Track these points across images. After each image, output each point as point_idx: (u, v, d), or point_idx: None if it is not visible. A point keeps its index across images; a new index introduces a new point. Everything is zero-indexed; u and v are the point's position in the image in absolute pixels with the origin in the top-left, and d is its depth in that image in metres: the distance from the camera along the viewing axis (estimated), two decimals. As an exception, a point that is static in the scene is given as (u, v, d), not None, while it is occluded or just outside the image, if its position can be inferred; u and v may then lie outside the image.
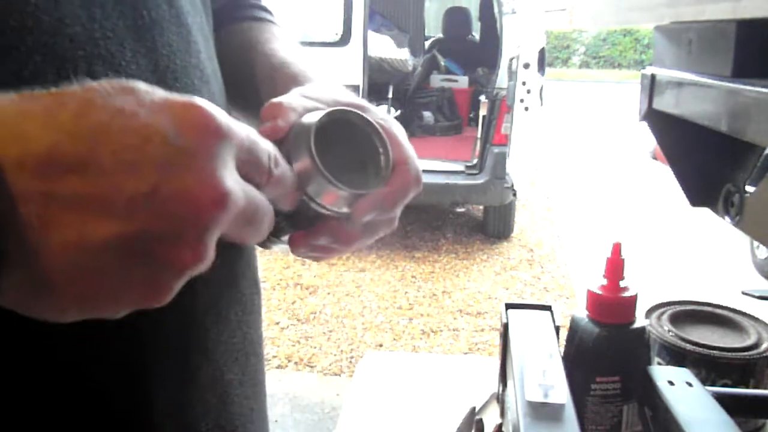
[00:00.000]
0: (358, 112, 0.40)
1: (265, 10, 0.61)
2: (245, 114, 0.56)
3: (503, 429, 0.72)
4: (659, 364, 0.74)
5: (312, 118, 0.37)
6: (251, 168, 0.30)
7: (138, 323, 0.36)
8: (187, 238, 0.26)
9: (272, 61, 0.51)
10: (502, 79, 3.89)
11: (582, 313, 0.67)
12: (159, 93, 0.27)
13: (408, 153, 0.42)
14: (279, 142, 0.36)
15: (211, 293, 0.44)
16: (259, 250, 0.50)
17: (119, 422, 0.38)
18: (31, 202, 0.23)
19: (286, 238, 0.40)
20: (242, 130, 0.29)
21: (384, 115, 0.43)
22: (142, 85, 0.27)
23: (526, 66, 3.81)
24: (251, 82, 0.52)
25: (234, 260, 0.48)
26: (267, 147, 0.31)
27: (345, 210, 0.38)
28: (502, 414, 0.74)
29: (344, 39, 3.76)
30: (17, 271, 0.24)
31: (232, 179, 0.27)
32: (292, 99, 0.40)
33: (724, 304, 0.81)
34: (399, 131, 0.43)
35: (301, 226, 0.39)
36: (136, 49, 0.37)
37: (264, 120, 0.38)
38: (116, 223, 0.25)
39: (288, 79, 0.48)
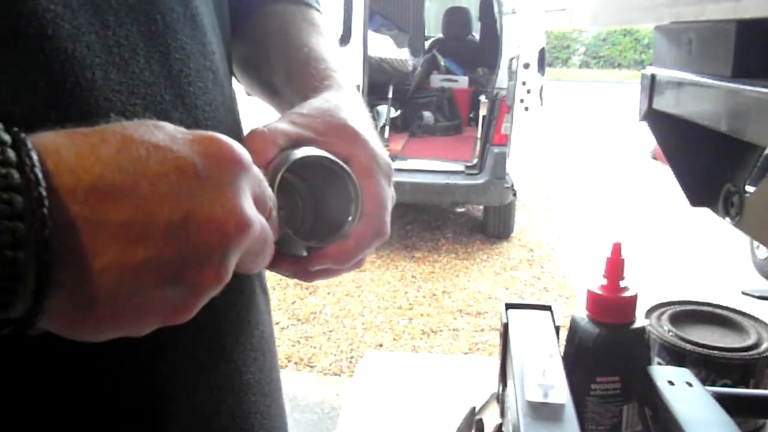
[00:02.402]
0: (333, 158, 0.41)
1: None
2: (278, 96, 0.56)
3: (503, 429, 0.72)
4: (659, 364, 0.73)
5: (282, 162, 0.39)
6: (259, 201, 0.32)
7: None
8: (213, 261, 0.29)
9: (299, 56, 0.52)
10: (502, 79, 3.89)
11: (582, 313, 0.67)
12: (185, 129, 0.30)
13: (379, 202, 0.43)
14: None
15: (229, 295, 0.45)
16: None
17: (134, 420, 0.39)
18: (79, 228, 0.26)
19: None
20: (254, 166, 0.32)
21: (371, 153, 0.44)
22: (169, 124, 0.29)
23: (526, 66, 3.81)
24: (283, 69, 0.53)
25: None
26: (267, 189, 0.34)
27: (303, 254, 0.42)
28: (502, 414, 0.74)
29: (344, 39, 3.76)
30: (63, 294, 0.26)
31: (252, 209, 0.30)
32: (277, 129, 0.41)
33: (724, 304, 0.81)
34: (381, 170, 0.44)
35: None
36: (149, 55, 0.37)
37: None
38: (153, 246, 0.27)
39: (310, 79, 0.50)
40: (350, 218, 0.41)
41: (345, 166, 0.41)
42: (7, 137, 0.24)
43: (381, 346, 2.94)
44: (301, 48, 0.53)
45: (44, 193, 0.24)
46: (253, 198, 0.31)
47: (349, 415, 0.85)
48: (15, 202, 0.23)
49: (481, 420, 0.77)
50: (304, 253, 0.42)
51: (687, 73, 0.51)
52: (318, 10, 0.60)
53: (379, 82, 4.50)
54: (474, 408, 0.80)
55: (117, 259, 0.26)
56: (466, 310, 3.28)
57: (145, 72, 0.37)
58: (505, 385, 0.71)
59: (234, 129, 0.46)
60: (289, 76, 0.52)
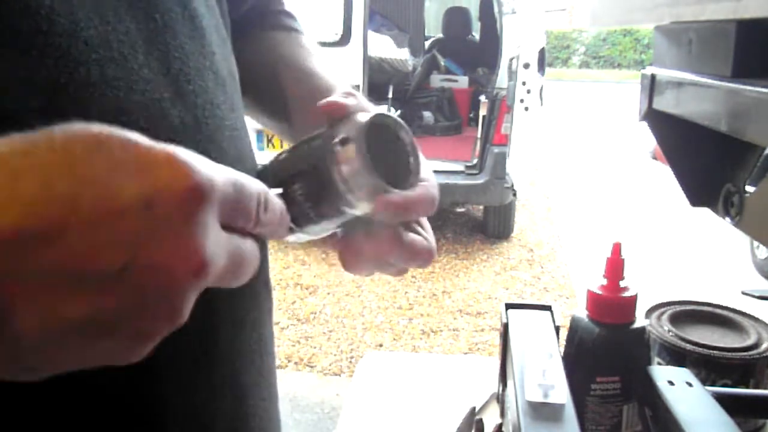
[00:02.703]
0: (397, 119, 0.40)
1: (291, 16, 0.61)
2: (272, 119, 0.57)
3: (503, 429, 0.71)
4: (659, 364, 0.73)
5: (363, 117, 0.38)
6: (238, 216, 0.29)
7: None
8: (161, 309, 0.25)
9: (300, 72, 0.52)
10: (502, 79, 3.89)
11: (582, 313, 0.67)
12: (138, 146, 0.25)
13: (430, 172, 0.43)
14: (331, 123, 0.38)
15: (227, 298, 0.44)
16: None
17: (132, 422, 0.38)
18: (2, 279, 0.22)
19: (308, 228, 0.40)
20: (227, 179, 0.27)
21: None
22: (117, 137, 0.25)
23: (526, 66, 3.81)
24: (279, 91, 0.53)
25: None
26: (256, 190, 0.30)
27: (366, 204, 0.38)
28: (502, 414, 0.74)
29: (344, 39, 3.76)
30: None
31: (212, 242, 0.26)
32: (345, 96, 0.41)
33: (724, 304, 0.81)
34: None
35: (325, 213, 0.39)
36: (148, 52, 0.37)
37: (324, 109, 0.39)
38: (86, 300, 0.23)
39: (316, 90, 0.49)
40: (413, 170, 0.41)
41: (406, 127, 0.41)
42: None
43: (381, 346, 2.94)
44: (301, 67, 0.54)
45: None
46: (225, 216, 0.28)
47: (349, 415, 0.85)
48: None
49: (481, 420, 0.77)
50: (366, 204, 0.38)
51: (687, 73, 0.51)
52: (304, 34, 0.61)
53: (379, 82, 4.50)
54: (474, 408, 0.80)
55: (43, 313, 0.23)
56: (466, 310, 3.28)
57: (144, 69, 0.36)
58: (505, 385, 0.71)
59: (238, 127, 0.46)
60: (291, 92, 0.52)
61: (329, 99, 0.40)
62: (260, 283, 0.51)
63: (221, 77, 0.44)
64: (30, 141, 0.24)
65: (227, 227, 0.28)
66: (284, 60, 0.55)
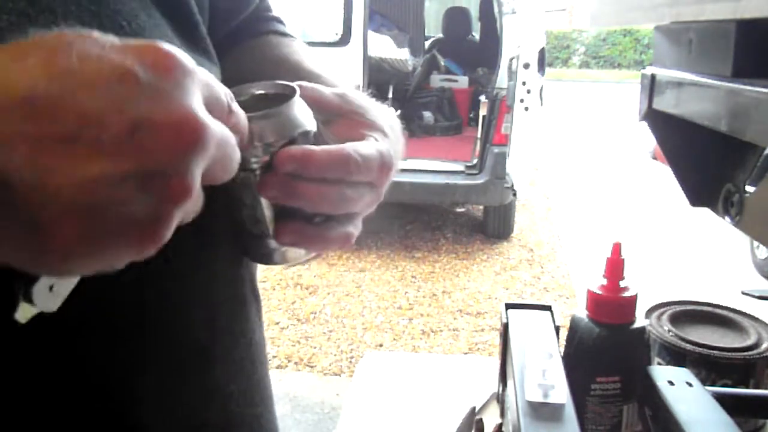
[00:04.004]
0: (289, 84, 0.39)
1: (281, 22, 0.61)
2: None
3: (503, 429, 0.72)
4: (659, 364, 0.73)
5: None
6: (213, 104, 0.30)
7: (134, 332, 0.37)
8: (175, 169, 0.26)
9: (304, 73, 0.51)
10: (502, 79, 3.89)
11: (582, 313, 0.67)
12: (116, 39, 0.27)
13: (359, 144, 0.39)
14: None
15: (215, 306, 0.44)
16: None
17: (115, 429, 0.38)
18: (20, 146, 0.24)
19: (270, 236, 0.39)
20: (200, 69, 0.29)
21: (376, 113, 0.43)
22: (96, 33, 0.26)
23: (526, 66, 3.81)
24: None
25: (233, 269, 0.48)
26: (223, 87, 0.31)
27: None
28: (502, 414, 0.74)
29: (344, 39, 3.76)
30: (15, 221, 0.25)
31: (203, 111, 0.28)
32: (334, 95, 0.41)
33: (724, 304, 0.81)
34: (384, 120, 0.43)
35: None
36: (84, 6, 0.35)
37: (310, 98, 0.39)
38: (106, 161, 0.25)
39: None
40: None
41: (295, 86, 0.39)
42: None
43: (381, 346, 2.94)
44: (300, 67, 0.53)
45: None
46: (205, 102, 0.29)
47: (349, 415, 0.85)
48: None
49: (481, 420, 0.77)
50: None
51: (687, 73, 0.51)
52: (296, 38, 0.61)
53: (379, 82, 4.50)
54: (474, 408, 0.80)
55: (69, 176, 0.24)
56: (466, 310, 3.28)
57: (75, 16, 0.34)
58: (505, 385, 0.71)
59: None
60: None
61: (317, 88, 0.40)
62: (250, 292, 0.50)
63: (155, 18, 0.40)
64: (29, 39, 0.26)
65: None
66: (287, 61, 0.55)
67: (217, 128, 0.28)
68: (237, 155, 0.31)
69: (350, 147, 0.37)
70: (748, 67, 0.43)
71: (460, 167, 3.96)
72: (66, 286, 0.31)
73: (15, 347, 0.33)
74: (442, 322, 3.16)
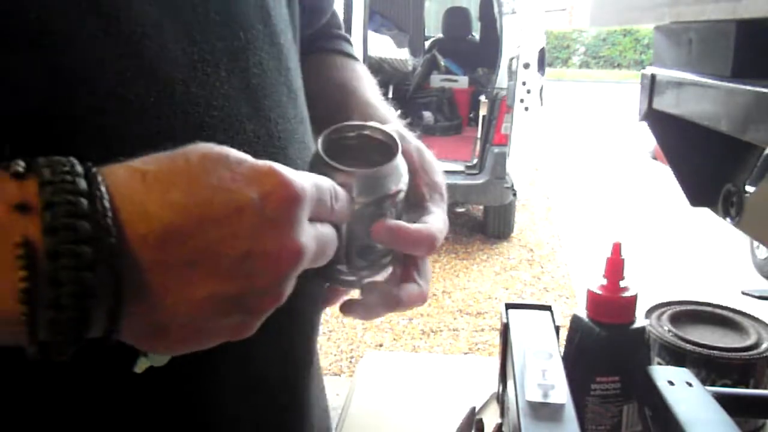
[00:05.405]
0: (391, 134, 0.41)
1: (349, 42, 0.65)
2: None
3: (503, 429, 0.72)
4: (659, 364, 0.73)
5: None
6: (320, 210, 0.34)
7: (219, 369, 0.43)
8: (272, 290, 0.31)
9: (360, 99, 0.56)
10: (502, 79, 3.89)
11: (582, 313, 0.67)
12: (246, 162, 0.31)
13: (439, 208, 0.45)
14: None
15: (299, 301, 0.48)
16: None
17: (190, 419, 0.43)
18: (151, 270, 0.28)
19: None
20: (311, 183, 0.33)
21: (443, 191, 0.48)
22: (232, 155, 0.31)
23: (526, 66, 3.81)
24: (338, 113, 0.55)
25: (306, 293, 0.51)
26: (328, 186, 0.35)
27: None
28: (502, 414, 0.74)
29: (344, 39, 3.76)
30: (136, 320, 0.29)
31: (305, 234, 0.32)
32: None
33: (724, 304, 0.81)
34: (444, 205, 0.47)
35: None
36: (230, 70, 0.39)
37: None
38: (218, 282, 0.29)
39: (372, 120, 0.51)
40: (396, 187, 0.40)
41: (396, 137, 0.40)
42: (83, 184, 0.27)
43: (381, 346, 2.94)
44: (358, 94, 0.58)
45: (114, 241, 0.27)
46: (313, 214, 0.33)
47: (349, 415, 0.85)
48: (84, 253, 0.26)
49: (481, 420, 0.77)
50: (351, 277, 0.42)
51: (687, 73, 0.51)
52: (359, 61, 0.65)
53: (379, 82, 4.49)
54: (474, 408, 0.80)
55: (184, 295, 0.29)
56: (466, 310, 3.28)
57: (225, 86, 0.39)
58: (505, 385, 0.71)
59: (304, 140, 0.48)
60: (348, 116, 0.55)
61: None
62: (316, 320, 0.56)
63: (293, 91, 0.46)
64: (170, 158, 0.30)
65: (312, 219, 0.34)
66: (346, 87, 0.59)
67: (314, 243, 0.33)
68: (332, 247, 0.35)
69: (435, 229, 0.42)
70: (748, 67, 0.43)
71: (460, 167, 3.96)
72: None
73: (133, 392, 0.38)
74: (442, 322, 3.16)
